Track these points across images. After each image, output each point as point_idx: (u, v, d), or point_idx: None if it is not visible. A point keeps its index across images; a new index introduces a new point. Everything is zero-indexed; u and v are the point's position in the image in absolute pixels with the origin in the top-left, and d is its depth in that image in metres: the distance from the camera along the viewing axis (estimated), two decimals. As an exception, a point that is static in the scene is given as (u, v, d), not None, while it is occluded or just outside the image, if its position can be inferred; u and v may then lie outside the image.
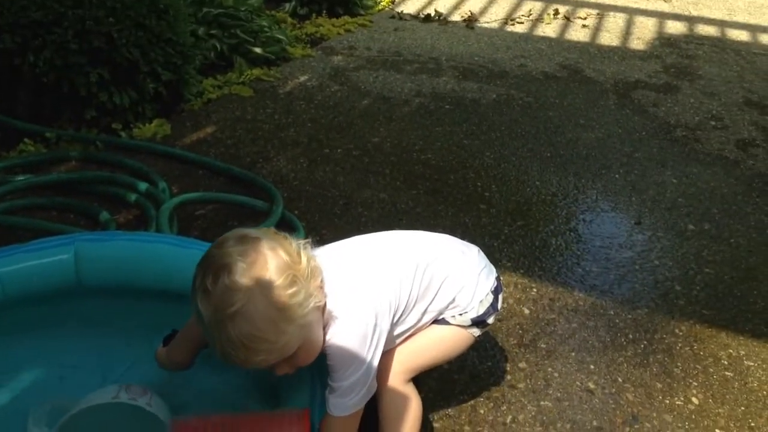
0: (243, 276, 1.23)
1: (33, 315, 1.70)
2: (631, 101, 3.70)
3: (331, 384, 1.37)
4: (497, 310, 1.61)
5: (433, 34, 4.52)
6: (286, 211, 2.47)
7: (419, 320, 1.53)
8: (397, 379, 1.51)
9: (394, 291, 1.45)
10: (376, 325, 1.38)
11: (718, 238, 2.58)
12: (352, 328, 1.36)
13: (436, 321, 1.57)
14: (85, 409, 1.36)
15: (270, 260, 1.26)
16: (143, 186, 2.49)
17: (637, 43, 4.58)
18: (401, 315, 1.48)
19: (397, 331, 1.50)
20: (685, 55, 4.40)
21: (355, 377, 1.35)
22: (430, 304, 1.53)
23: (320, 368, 1.42)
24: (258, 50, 3.75)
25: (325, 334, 1.35)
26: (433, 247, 1.59)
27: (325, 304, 1.35)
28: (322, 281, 1.36)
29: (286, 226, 2.43)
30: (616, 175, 2.98)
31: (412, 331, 1.54)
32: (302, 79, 3.71)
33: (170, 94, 3.13)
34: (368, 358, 1.36)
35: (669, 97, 3.78)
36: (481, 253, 1.65)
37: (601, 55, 4.34)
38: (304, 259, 1.31)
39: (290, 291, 1.26)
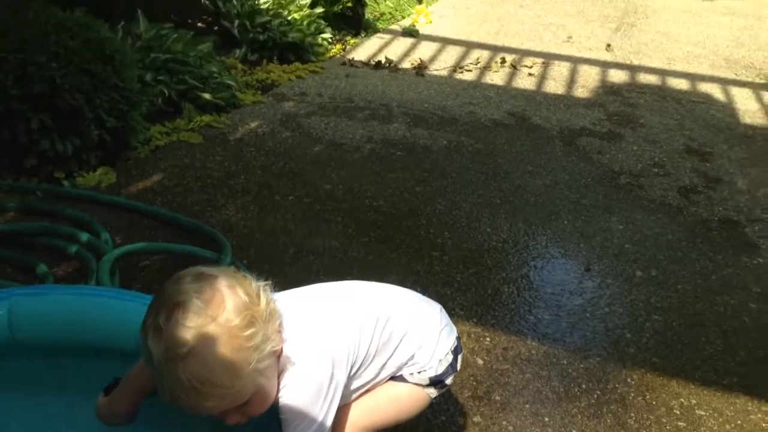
0: (198, 315, 1.18)
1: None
2: (576, 148, 3.78)
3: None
4: (456, 371, 1.57)
5: (384, 81, 4.57)
6: (235, 260, 2.42)
7: (377, 375, 1.49)
8: None
9: (354, 341, 1.41)
10: (332, 375, 1.33)
11: (665, 284, 2.62)
12: (308, 377, 1.31)
13: (393, 378, 1.53)
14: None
15: (228, 299, 1.21)
16: (84, 237, 2.41)
17: (581, 92, 4.71)
18: (359, 368, 1.44)
19: (353, 386, 1.46)
20: (627, 104, 4.54)
21: None
22: (389, 359, 1.49)
23: (269, 423, 1.36)
24: (207, 96, 3.71)
25: (279, 381, 1.30)
26: (394, 300, 1.56)
27: (281, 350, 1.30)
28: (280, 325, 1.31)
29: (234, 277, 2.37)
30: (565, 222, 3.02)
31: (368, 386, 1.50)
32: (253, 125, 3.68)
33: (115, 141, 3.05)
34: (323, 412, 1.31)
35: (613, 144, 3.88)
36: (443, 311, 1.63)
37: (547, 102, 4.44)
38: (263, 300, 1.26)
39: (247, 333, 1.20)
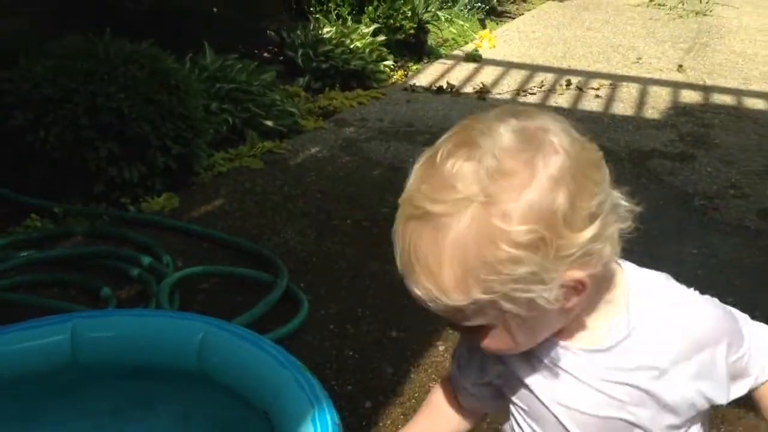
0: (475, 181, 0.79)
1: (26, 396, 1.63)
2: (647, 170, 3.64)
3: (739, 360, 0.94)
4: None
5: (445, 106, 4.54)
6: (290, 284, 2.42)
7: None
8: None
9: None
10: None
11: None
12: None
13: None
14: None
15: (533, 187, 0.79)
16: (146, 260, 2.46)
17: (651, 113, 4.56)
18: None
19: None
20: (701, 124, 4.36)
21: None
22: None
23: None
24: (270, 123, 3.77)
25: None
26: None
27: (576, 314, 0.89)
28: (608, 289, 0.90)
29: (290, 300, 2.37)
30: (634, 248, 2.88)
31: None
32: (313, 150, 3.71)
33: (180, 167, 3.12)
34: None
35: (686, 165, 3.72)
36: None
37: (615, 124, 4.31)
38: (593, 228, 0.81)
39: (511, 254, 0.79)
